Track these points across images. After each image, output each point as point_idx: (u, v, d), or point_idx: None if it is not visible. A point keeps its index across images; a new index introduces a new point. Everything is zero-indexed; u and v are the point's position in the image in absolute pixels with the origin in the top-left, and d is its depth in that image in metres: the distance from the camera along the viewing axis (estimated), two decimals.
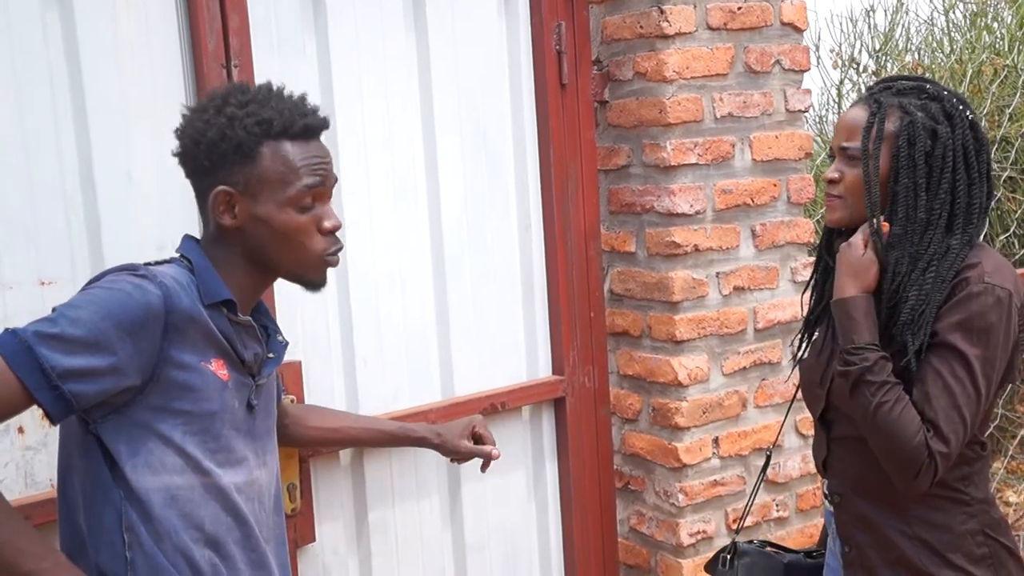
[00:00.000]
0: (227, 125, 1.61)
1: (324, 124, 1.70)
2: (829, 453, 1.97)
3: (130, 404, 1.54)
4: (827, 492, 2.00)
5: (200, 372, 1.60)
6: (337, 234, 1.70)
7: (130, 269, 1.59)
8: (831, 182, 1.91)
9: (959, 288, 1.77)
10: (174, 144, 1.69)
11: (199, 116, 1.64)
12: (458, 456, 2.20)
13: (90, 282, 1.60)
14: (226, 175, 1.63)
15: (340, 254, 1.73)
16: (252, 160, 1.62)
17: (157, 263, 1.65)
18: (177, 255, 1.71)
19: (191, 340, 1.58)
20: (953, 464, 1.77)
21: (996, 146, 4.98)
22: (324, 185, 1.68)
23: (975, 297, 1.75)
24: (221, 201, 1.64)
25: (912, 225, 1.82)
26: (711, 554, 2.73)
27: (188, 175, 1.70)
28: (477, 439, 2.20)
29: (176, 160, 1.70)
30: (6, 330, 1.46)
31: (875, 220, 1.83)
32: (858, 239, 1.86)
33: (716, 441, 2.72)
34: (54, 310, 1.50)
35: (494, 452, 2.17)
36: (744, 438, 2.76)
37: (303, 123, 1.65)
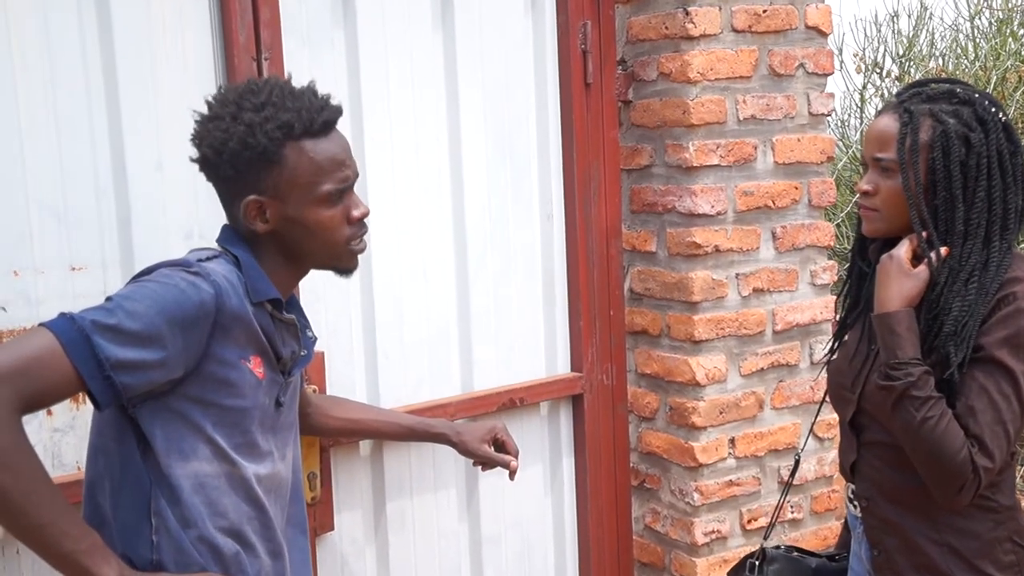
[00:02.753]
0: (247, 133, 1.59)
1: (339, 113, 1.69)
2: (858, 458, 1.94)
3: (168, 392, 1.57)
4: (853, 496, 1.98)
5: (239, 369, 1.62)
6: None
7: (184, 265, 1.60)
8: (865, 194, 1.86)
9: (1005, 303, 1.74)
10: (192, 152, 1.67)
11: (216, 125, 1.62)
12: (476, 459, 2.20)
13: (140, 274, 1.61)
14: (253, 182, 1.63)
15: (365, 246, 1.75)
16: (278, 164, 1.62)
17: (208, 259, 1.65)
18: (217, 247, 1.71)
19: (234, 337, 1.61)
20: None
21: None
22: (349, 178, 1.68)
23: (1023, 313, 1.73)
24: (252, 210, 1.64)
25: (952, 237, 1.78)
26: (725, 554, 2.76)
27: (210, 180, 1.69)
28: (499, 446, 2.20)
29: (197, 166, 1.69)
30: (62, 315, 1.48)
31: (928, 236, 1.79)
32: (901, 252, 1.81)
33: (732, 441, 2.73)
34: (109, 299, 1.52)
35: (513, 464, 2.17)
36: (760, 439, 2.77)
37: (322, 119, 1.64)
